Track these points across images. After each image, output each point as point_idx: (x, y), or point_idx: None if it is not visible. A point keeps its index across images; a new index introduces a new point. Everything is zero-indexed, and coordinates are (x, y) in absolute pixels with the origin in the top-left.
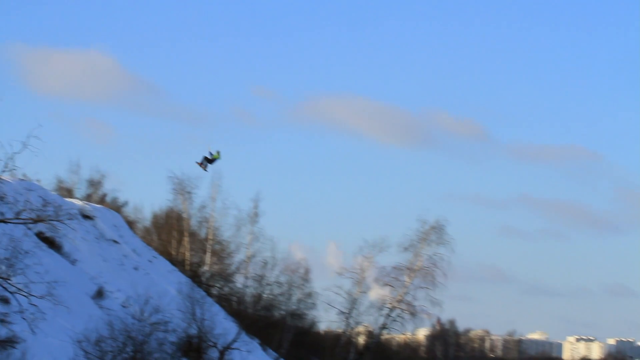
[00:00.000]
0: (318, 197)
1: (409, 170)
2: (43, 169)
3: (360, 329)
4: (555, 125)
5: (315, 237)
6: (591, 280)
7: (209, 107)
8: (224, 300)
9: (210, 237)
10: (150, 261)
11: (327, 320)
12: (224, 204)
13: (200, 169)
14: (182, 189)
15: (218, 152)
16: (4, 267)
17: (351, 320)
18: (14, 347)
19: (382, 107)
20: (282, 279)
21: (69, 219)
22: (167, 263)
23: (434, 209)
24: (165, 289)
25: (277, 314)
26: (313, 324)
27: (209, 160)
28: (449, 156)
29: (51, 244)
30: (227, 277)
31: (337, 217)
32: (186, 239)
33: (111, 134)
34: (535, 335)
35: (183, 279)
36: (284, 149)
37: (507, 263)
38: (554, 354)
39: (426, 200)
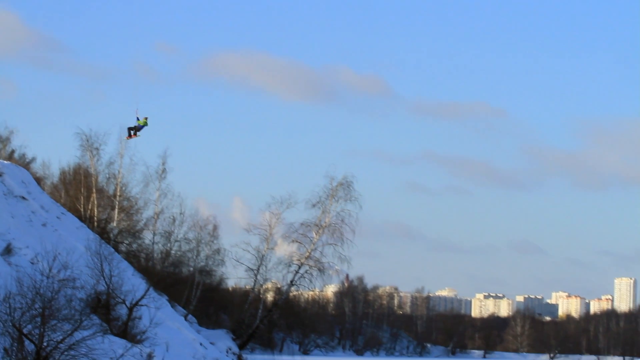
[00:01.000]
0: (223, 153)
1: (313, 126)
2: None
3: (269, 285)
4: (459, 82)
5: (222, 193)
6: (498, 237)
7: (112, 63)
8: (132, 257)
9: (118, 193)
10: (58, 218)
11: (235, 276)
12: (132, 160)
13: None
14: (89, 145)
15: (145, 119)
16: None
17: (259, 277)
18: None
19: (284, 62)
20: (191, 235)
21: None
22: (76, 219)
23: (339, 165)
24: (73, 245)
25: (185, 270)
26: (221, 280)
27: (136, 129)
28: (353, 112)
29: None
30: (135, 234)
31: (242, 173)
32: (94, 196)
33: (15, 90)
34: (443, 292)
35: (91, 235)
36: (188, 105)
37: (413, 219)
38: (463, 311)
39: (331, 156)
